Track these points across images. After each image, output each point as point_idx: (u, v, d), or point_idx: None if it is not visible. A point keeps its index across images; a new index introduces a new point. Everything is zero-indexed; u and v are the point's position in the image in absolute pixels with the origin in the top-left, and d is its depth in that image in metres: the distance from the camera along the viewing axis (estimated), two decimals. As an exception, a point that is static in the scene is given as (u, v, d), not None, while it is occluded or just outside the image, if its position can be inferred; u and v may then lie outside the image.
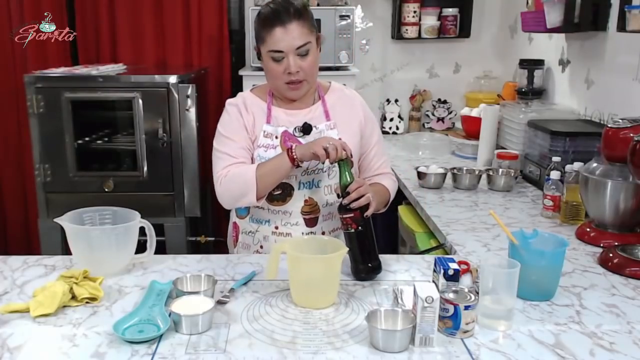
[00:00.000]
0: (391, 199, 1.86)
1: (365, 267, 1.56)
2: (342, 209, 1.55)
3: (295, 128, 1.74)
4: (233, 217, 1.91)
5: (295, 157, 1.61)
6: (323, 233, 1.77)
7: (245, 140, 1.74)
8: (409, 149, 3.29)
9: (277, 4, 1.66)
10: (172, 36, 3.64)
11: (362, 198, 1.54)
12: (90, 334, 1.30)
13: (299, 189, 1.74)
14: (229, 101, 1.81)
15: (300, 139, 1.72)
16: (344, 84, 1.91)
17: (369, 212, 1.56)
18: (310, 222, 1.76)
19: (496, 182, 2.49)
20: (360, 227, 1.54)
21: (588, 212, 1.95)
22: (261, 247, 1.81)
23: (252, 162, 1.73)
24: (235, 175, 1.67)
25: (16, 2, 3.53)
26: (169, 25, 3.63)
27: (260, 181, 1.64)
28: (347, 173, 1.59)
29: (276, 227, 1.78)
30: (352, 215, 1.53)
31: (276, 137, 1.73)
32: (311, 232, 1.76)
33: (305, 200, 1.75)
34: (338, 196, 1.65)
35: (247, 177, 1.64)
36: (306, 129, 1.73)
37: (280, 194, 1.73)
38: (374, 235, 1.58)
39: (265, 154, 1.71)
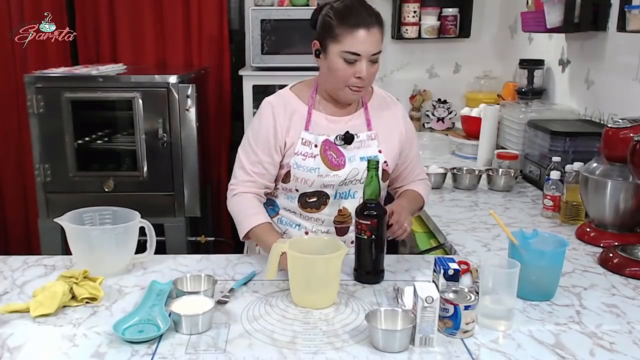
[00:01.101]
0: (425, 204, 1.85)
1: (368, 275, 1.56)
2: (360, 213, 1.53)
3: (337, 137, 1.67)
4: None
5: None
6: (352, 243, 1.62)
7: (270, 154, 1.67)
8: (409, 149, 3.28)
9: (358, 2, 1.58)
10: (172, 36, 3.64)
11: (400, 230, 1.56)
12: (90, 334, 1.30)
13: (334, 198, 1.69)
14: (266, 100, 1.73)
15: (341, 148, 1.66)
16: (388, 93, 1.82)
17: (402, 237, 1.57)
18: (341, 231, 1.73)
19: (496, 182, 2.49)
20: (374, 236, 1.52)
21: (588, 212, 1.95)
22: None
23: (284, 169, 1.68)
24: (239, 209, 1.68)
25: (16, 2, 3.53)
26: (169, 25, 3.63)
27: (251, 234, 1.66)
28: (376, 178, 1.52)
29: (306, 232, 1.74)
30: (369, 222, 1.51)
31: (315, 146, 1.66)
32: (341, 241, 1.59)
33: (339, 210, 1.71)
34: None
35: (243, 223, 1.66)
36: (348, 139, 1.66)
37: (315, 201, 1.69)
38: (384, 245, 1.57)
39: (303, 163, 1.65)
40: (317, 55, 1.64)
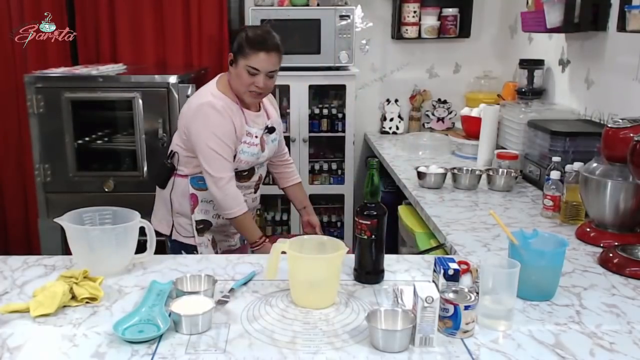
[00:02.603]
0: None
1: (368, 275, 1.56)
2: (361, 213, 1.53)
3: (265, 127, 2.19)
4: (190, 190, 2.17)
5: (258, 246, 2.08)
6: (257, 196, 2.29)
7: (235, 144, 2.10)
8: (409, 149, 3.28)
9: (265, 32, 2.09)
10: (172, 36, 3.65)
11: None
12: (90, 334, 1.30)
13: (258, 170, 2.24)
14: (211, 102, 2.07)
15: (264, 136, 2.18)
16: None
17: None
18: (257, 188, 2.28)
19: (496, 182, 2.49)
20: (374, 236, 1.53)
21: (588, 212, 1.95)
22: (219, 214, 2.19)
23: (235, 156, 2.11)
24: (231, 197, 2.08)
25: (16, 2, 3.53)
26: (169, 25, 3.63)
27: (235, 220, 2.11)
28: (375, 179, 1.55)
29: (209, 206, 2.18)
30: (368, 222, 1.52)
31: (256, 137, 2.14)
32: (255, 197, 2.27)
33: (259, 177, 2.26)
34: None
35: (234, 210, 2.08)
36: (271, 130, 2.21)
37: (247, 174, 2.19)
38: (384, 245, 1.57)
39: (248, 150, 2.12)
40: (231, 64, 2.09)
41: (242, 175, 2.17)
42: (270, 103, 2.31)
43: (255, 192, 2.28)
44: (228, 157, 2.07)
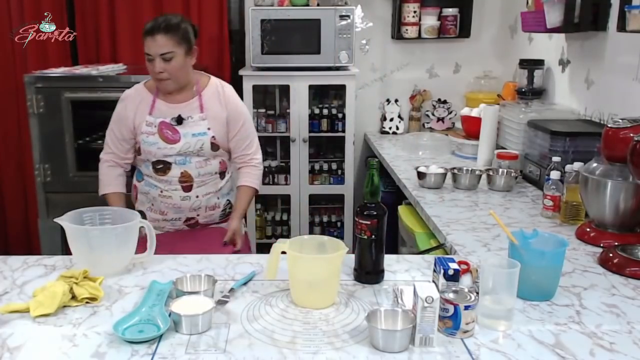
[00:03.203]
0: (258, 189, 2.35)
1: (368, 275, 1.56)
2: (361, 213, 1.53)
3: (172, 118, 2.16)
4: (133, 181, 2.31)
5: None
6: (197, 197, 2.21)
7: (122, 132, 2.21)
8: (409, 149, 3.29)
9: (157, 17, 2.13)
10: (172, 36, 3.64)
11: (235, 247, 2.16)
12: (90, 334, 1.30)
13: (175, 164, 2.17)
14: (124, 93, 2.24)
15: (177, 127, 2.15)
16: (221, 80, 2.31)
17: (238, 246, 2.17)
18: (186, 188, 2.20)
19: (496, 182, 2.49)
20: (373, 236, 1.53)
21: (588, 212, 1.95)
22: (152, 205, 2.24)
23: (138, 145, 2.19)
24: (101, 175, 2.26)
25: (16, 2, 3.53)
26: (169, 25, 3.62)
27: (105, 197, 2.25)
28: (375, 179, 1.55)
29: (161, 191, 2.20)
30: (368, 222, 1.52)
31: (155, 126, 2.16)
32: (186, 197, 2.19)
33: (181, 173, 2.18)
34: (221, 174, 2.25)
35: (101, 186, 2.25)
36: (179, 120, 2.16)
37: (161, 167, 2.18)
38: (384, 245, 1.57)
39: (147, 139, 2.16)
40: None
41: (156, 169, 2.18)
42: (218, 95, 2.23)
43: (186, 192, 2.19)
44: (110, 140, 2.23)
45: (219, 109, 2.21)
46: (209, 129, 2.17)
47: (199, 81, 2.24)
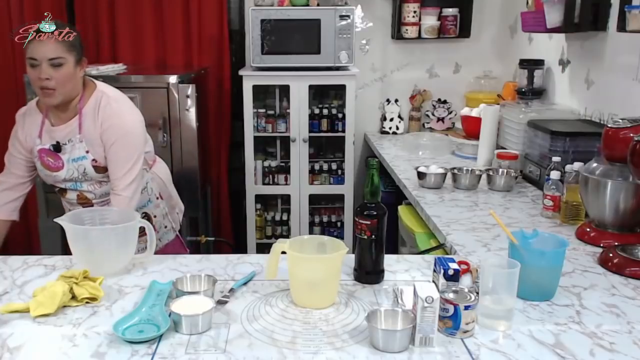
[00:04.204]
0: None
1: (368, 275, 1.56)
2: (361, 213, 1.53)
3: (50, 145, 1.99)
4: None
5: None
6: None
7: (20, 151, 2.06)
8: (409, 149, 3.29)
9: (43, 20, 1.90)
10: (172, 36, 3.64)
11: None
12: (90, 334, 1.30)
13: (69, 189, 2.09)
14: (18, 112, 2.09)
15: (57, 154, 2.00)
16: (112, 88, 2.10)
17: None
18: (87, 205, 2.09)
19: (496, 182, 2.49)
20: (373, 236, 1.53)
21: (588, 212, 1.95)
22: None
23: (34, 168, 2.07)
24: None
25: (16, 2, 3.53)
26: (169, 25, 3.63)
27: None
28: (375, 178, 1.54)
29: (69, 210, 2.09)
30: (368, 222, 1.52)
31: (36, 154, 2.02)
32: None
33: (78, 195, 2.09)
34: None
35: None
36: (56, 147, 1.99)
37: (59, 189, 2.11)
38: (384, 245, 1.57)
39: (38, 164, 2.05)
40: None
41: (56, 190, 2.13)
42: (94, 112, 1.98)
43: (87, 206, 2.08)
44: (8, 161, 2.08)
45: (93, 128, 1.98)
46: (87, 152, 1.98)
47: (83, 96, 2.00)
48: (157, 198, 2.27)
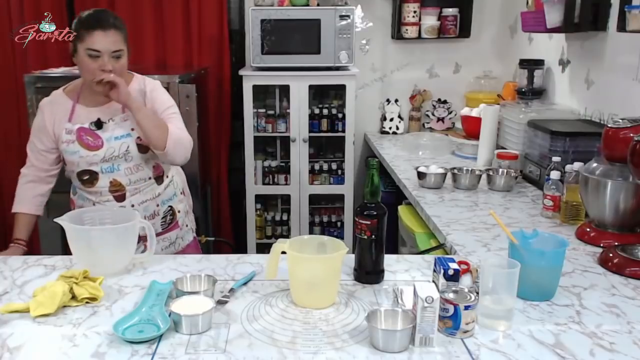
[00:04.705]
0: (166, 144, 1.96)
1: (368, 275, 1.56)
2: (360, 213, 1.53)
3: (90, 123, 2.00)
4: (70, 195, 2.17)
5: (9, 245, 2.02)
6: (132, 206, 2.03)
7: (44, 142, 2.05)
8: (409, 149, 3.29)
9: (98, 11, 2.00)
10: (172, 36, 3.64)
11: (105, 76, 1.89)
12: (90, 334, 1.30)
13: (102, 173, 2.01)
14: (41, 102, 2.08)
15: (98, 132, 1.99)
16: (145, 77, 2.14)
17: (120, 93, 1.90)
18: (119, 198, 2.05)
19: (496, 182, 2.49)
20: (373, 236, 1.53)
21: (588, 212, 1.95)
22: None
23: (61, 157, 2.06)
24: (17, 190, 2.12)
25: (16, 2, 3.53)
26: (169, 25, 3.63)
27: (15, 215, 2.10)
28: (375, 178, 1.55)
29: (94, 204, 2.04)
30: (368, 222, 1.52)
31: (73, 134, 2.00)
32: (122, 206, 2.02)
33: (111, 182, 2.02)
34: (157, 179, 2.09)
35: (14, 203, 2.11)
36: (98, 124, 2.00)
37: (87, 178, 2.03)
38: (384, 245, 1.57)
39: (67, 148, 2.00)
40: (73, 56, 1.96)
41: (83, 180, 2.03)
42: (142, 94, 2.05)
43: (119, 201, 2.03)
44: (31, 153, 2.08)
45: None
46: (132, 129, 2.00)
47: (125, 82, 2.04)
48: (181, 193, 2.26)
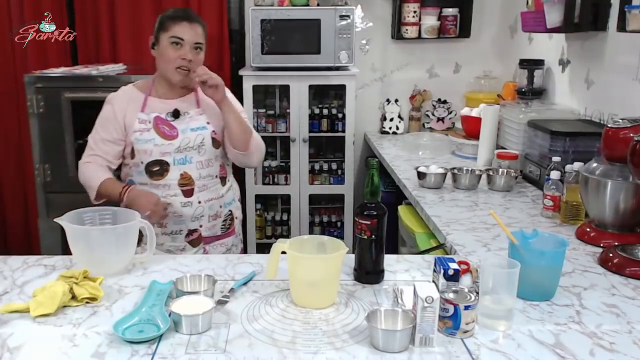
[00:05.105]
0: (249, 147, 2.09)
1: (368, 275, 1.56)
2: (361, 213, 1.53)
3: (167, 113, 2.04)
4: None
5: (124, 197, 1.96)
6: (199, 202, 2.06)
7: (111, 133, 2.05)
8: (409, 149, 3.29)
9: (185, 8, 2.05)
10: (172, 36, 3.64)
11: (208, 77, 1.94)
12: (90, 334, 1.30)
13: (174, 164, 2.02)
14: (109, 95, 2.11)
15: (173, 123, 2.04)
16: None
17: (219, 93, 1.97)
18: (187, 193, 2.04)
19: (496, 182, 2.49)
20: (373, 236, 1.53)
21: (588, 212, 1.95)
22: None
23: (129, 147, 2.04)
24: (87, 174, 2.06)
25: (16, 2, 3.53)
26: (169, 25, 3.62)
27: (98, 192, 2.03)
28: (375, 178, 1.55)
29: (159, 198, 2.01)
30: (368, 222, 1.52)
31: (149, 122, 2.03)
32: (188, 203, 2.03)
33: (181, 175, 2.03)
34: (222, 180, 2.12)
35: (92, 183, 2.04)
36: (175, 113, 2.05)
37: (158, 169, 2.02)
38: (384, 245, 1.57)
39: (141, 137, 2.01)
40: (153, 47, 2.05)
41: (152, 172, 2.02)
42: None
43: (187, 197, 2.04)
44: (94, 143, 2.06)
45: (211, 102, 2.07)
46: (208, 123, 2.07)
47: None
48: (238, 200, 2.28)
